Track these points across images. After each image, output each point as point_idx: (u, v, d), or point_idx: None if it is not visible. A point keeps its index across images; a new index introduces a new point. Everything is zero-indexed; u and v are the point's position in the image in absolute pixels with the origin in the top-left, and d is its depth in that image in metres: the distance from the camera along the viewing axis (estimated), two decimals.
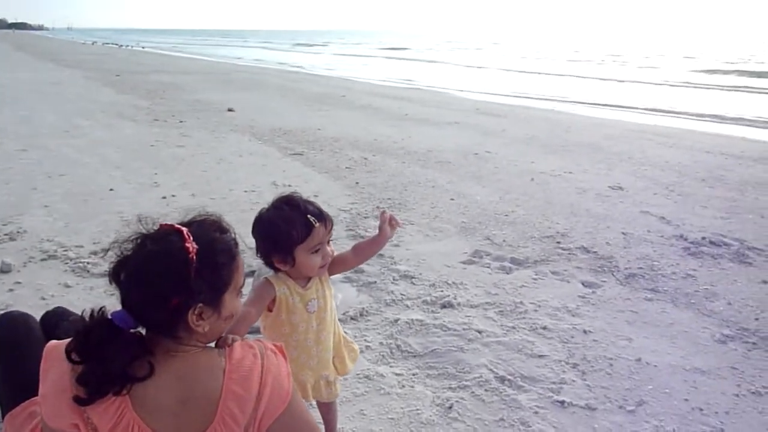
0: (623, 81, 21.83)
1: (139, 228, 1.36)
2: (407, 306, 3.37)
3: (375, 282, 3.66)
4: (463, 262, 4.08)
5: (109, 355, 1.28)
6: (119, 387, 1.30)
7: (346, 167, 6.84)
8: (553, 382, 2.62)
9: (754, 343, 3.04)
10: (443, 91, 17.39)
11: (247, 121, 9.94)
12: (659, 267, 4.07)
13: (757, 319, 3.33)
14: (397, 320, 3.15)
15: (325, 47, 55.18)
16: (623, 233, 4.75)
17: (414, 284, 3.67)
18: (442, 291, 3.56)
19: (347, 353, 2.04)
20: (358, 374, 2.63)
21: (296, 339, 1.85)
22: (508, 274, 3.91)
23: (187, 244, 1.31)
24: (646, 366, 2.80)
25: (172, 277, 1.29)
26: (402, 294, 3.51)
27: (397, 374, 2.66)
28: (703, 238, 4.64)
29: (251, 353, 1.48)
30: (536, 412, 2.40)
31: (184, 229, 1.33)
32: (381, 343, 2.94)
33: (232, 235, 1.46)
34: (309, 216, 1.75)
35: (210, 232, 1.41)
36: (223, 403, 1.40)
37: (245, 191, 5.42)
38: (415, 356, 2.84)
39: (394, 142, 8.49)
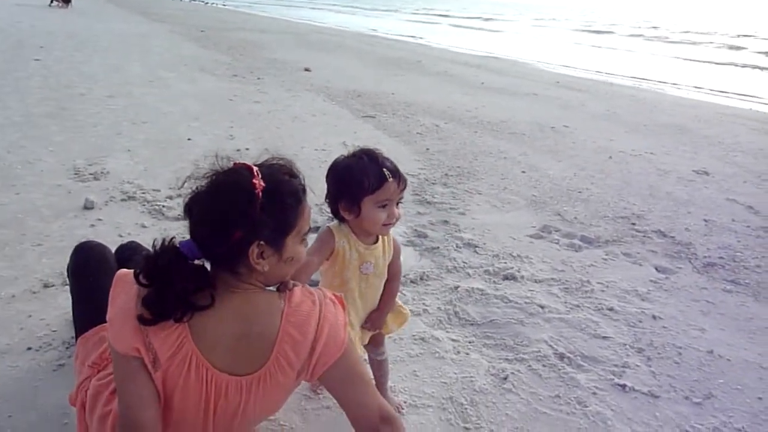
0: (717, 63, 20.33)
1: (215, 165, 1.39)
2: (468, 274, 3.32)
3: (438, 248, 3.62)
4: (530, 236, 3.97)
5: (174, 279, 1.33)
6: (181, 313, 1.35)
7: (418, 133, 6.76)
8: (616, 365, 2.52)
9: None
10: (523, 62, 16.81)
11: (323, 81, 9.98)
12: (742, 258, 3.81)
13: None
14: (457, 287, 3.12)
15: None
16: (705, 220, 4.47)
17: (477, 253, 3.61)
18: (505, 263, 3.48)
19: (392, 315, 2.04)
20: (413, 335, 2.63)
21: (344, 294, 1.86)
22: (576, 251, 3.77)
23: (255, 181, 1.33)
24: (718, 359, 2.64)
25: (237, 210, 1.31)
26: (464, 262, 3.46)
27: (453, 340, 2.64)
28: None
29: (310, 299, 1.49)
30: (594, 393, 2.33)
31: (255, 167, 1.36)
32: (439, 308, 2.92)
33: (302, 180, 1.46)
34: (384, 169, 1.73)
35: (279, 174, 1.42)
36: (279, 345, 1.42)
37: (315, 150, 5.46)
38: (472, 324, 2.80)
39: (467, 110, 8.31)
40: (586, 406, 2.24)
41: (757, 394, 2.41)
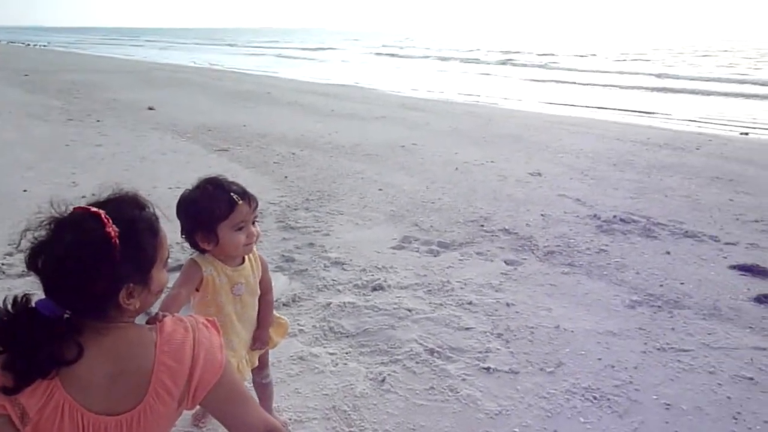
0: (539, 80, 22.73)
1: (51, 212, 1.28)
2: (339, 291, 3.43)
3: (306, 269, 3.70)
4: (393, 248, 4.19)
5: (34, 342, 1.25)
6: (47, 372, 1.28)
7: (274, 162, 6.80)
8: (479, 352, 2.77)
9: (659, 307, 3.32)
10: (369, 88, 17.52)
11: (170, 119, 9.65)
12: (575, 244, 4.33)
13: (661, 285, 3.62)
14: (329, 304, 3.21)
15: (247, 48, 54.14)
16: (542, 215, 5.01)
17: (345, 270, 3.74)
18: (372, 275, 3.64)
19: (274, 328, 2.09)
20: (292, 356, 2.68)
21: (221, 320, 1.88)
22: (435, 256, 4.05)
23: (108, 229, 1.25)
24: (563, 332, 3.00)
25: (98, 266, 1.24)
26: (333, 280, 3.57)
27: (330, 353, 2.73)
28: (614, 217, 4.97)
29: (182, 327, 1.50)
30: (464, 379, 2.53)
31: (102, 212, 1.27)
32: (314, 326, 2.99)
33: (152, 209, 1.44)
34: (232, 194, 1.77)
35: (129, 210, 1.38)
36: (155, 376, 1.40)
37: (169, 188, 5.29)
38: (347, 336, 2.90)
39: (321, 136, 8.51)
40: (458, 392, 2.44)
41: (597, 356, 2.78)
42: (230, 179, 1.86)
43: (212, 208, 1.74)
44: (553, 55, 37.13)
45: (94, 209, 1.30)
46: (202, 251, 1.85)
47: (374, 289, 3.44)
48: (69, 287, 1.28)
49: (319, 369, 2.58)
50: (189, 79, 17.31)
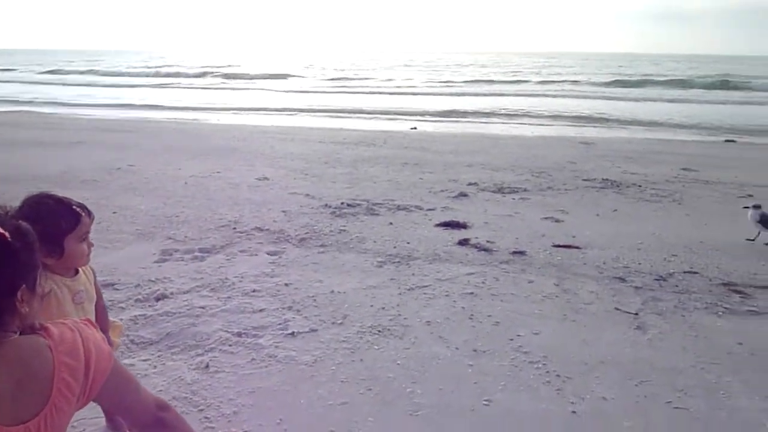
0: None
1: None
2: (122, 308, 3.43)
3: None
4: (156, 262, 4.25)
5: None
6: None
7: None
8: (279, 324, 3.20)
9: (399, 262, 4.21)
10: (49, 113, 15.67)
11: None
12: (319, 229, 5.02)
13: (395, 247, 4.55)
14: (119, 320, 3.22)
15: None
16: (283, 211, 5.58)
17: (118, 290, 3.71)
18: (150, 288, 3.71)
19: (111, 330, 2.21)
20: None
21: None
22: (202, 261, 4.27)
23: (2, 231, 1.39)
24: (338, 294, 3.62)
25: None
26: (110, 300, 3.52)
27: (144, 360, 2.83)
28: (342, 204, 5.84)
29: (67, 327, 1.62)
30: (277, 346, 2.95)
31: None
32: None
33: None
34: (74, 206, 1.88)
35: (7, 219, 1.48)
36: (57, 377, 1.52)
37: None
38: (152, 343, 3.01)
39: (11, 168, 7.57)
40: (276, 356, 2.84)
41: (369, 304, 3.47)
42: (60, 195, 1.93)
43: (58, 222, 1.82)
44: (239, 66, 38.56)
45: None
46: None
47: (158, 299, 3.55)
48: None
49: (141, 374, 2.68)
50: None
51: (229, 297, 3.57)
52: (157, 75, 34.11)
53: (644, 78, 32.65)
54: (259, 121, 13.55)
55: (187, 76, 32.70)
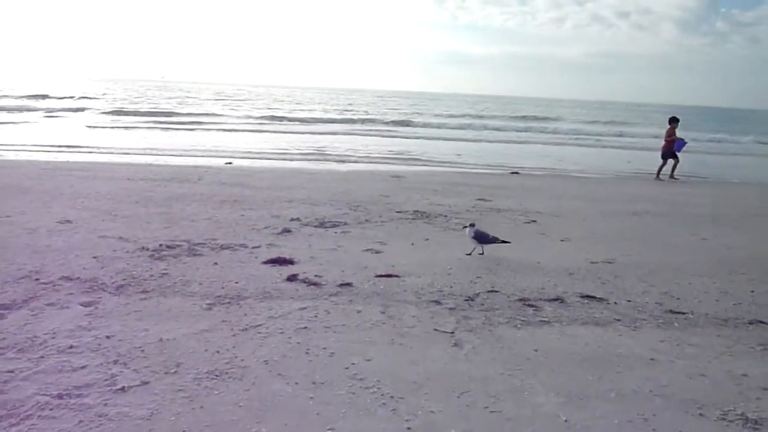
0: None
1: None
2: None
3: None
4: None
5: None
6: None
7: None
8: (106, 380, 3.00)
9: (228, 302, 4.19)
10: None
11: None
12: (138, 274, 4.75)
13: (222, 287, 4.50)
14: None
15: None
16: (94, 257, 5.17)
17: None
18: None
19: None
20: None
21: None
22: (3, 319, 3.79)
23: None
24: (168, 341, 3.50)
25: None
26: None
27: None
28: (160, 245, 5.59)
29: None
30: (106, 404, 2.77)
31: None
32: None
33: None
34: None
35: None
36: None
37: None
38: None
39: None
40: (107, 415, 2.67)
41: (203, 348, 3.41)
42: None
43: None
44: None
45: None
46: None
47: None
48: None
49: None
50: None
51: (41, 357, 3.24)
52: None
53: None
54: (50, 157, 12.23)
55: None
